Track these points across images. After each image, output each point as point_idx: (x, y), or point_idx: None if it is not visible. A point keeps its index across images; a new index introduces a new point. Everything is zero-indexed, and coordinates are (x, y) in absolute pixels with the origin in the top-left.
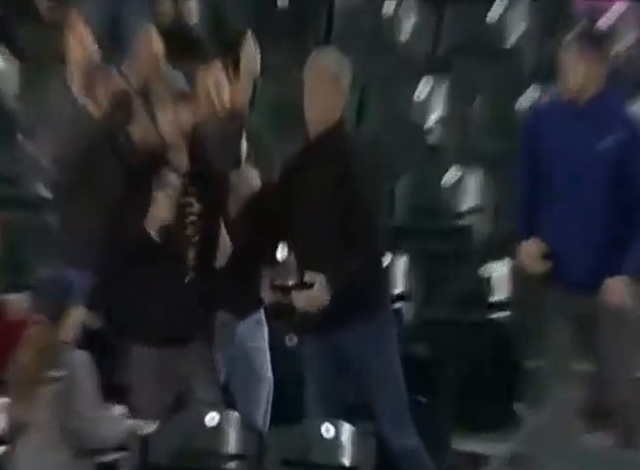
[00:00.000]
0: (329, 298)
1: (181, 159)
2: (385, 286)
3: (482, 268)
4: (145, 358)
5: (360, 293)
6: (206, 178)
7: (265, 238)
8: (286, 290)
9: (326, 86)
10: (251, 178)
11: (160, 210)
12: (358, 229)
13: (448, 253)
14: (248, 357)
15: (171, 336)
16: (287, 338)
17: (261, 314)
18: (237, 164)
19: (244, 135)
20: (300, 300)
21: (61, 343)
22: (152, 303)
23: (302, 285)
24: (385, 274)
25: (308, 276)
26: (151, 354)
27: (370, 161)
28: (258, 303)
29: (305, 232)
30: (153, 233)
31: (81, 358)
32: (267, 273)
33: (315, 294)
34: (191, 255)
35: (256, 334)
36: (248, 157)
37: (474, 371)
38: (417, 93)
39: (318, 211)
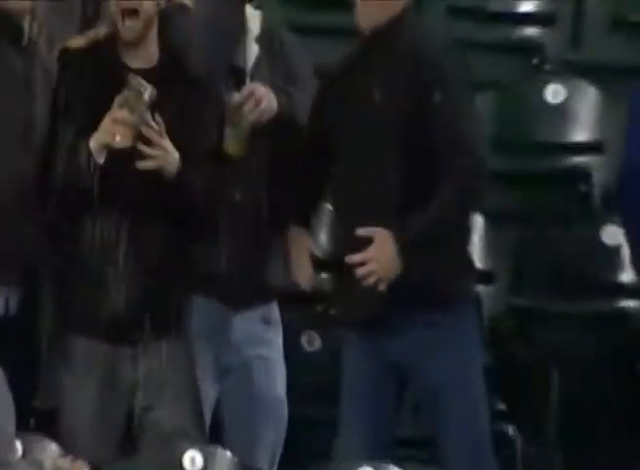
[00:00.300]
0: (399, 265)
1: (143, 60)
2: (470, 256)
3: (603, 233)
4: (85, 358)
5: (435, 267)
6: (185, 91)
7: (288, 185)
8: (329, 266)
9: None
10: (262, 100)
11: (111, 126)
12: (444, 159)
13: (550, 209)
14: (247, 370)
15: (123, 326)
16: (304, 339)
17: (272, 308)
18: (236, 75)
19: (248, 30)
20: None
21: None
22: (92, 274)
23: (355, 243)
24: (469, 238)
25: (363, 230)
26: (94, 352)
27: (453, 64)
28: (266, 288)
29: (358, 171)
30: (95, 155)
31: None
32: (297, 240)
33: (377, 256)
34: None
35: (263, 337)
36: (257, 67)
37: (592, 389)
38: None
39: (380, 138)
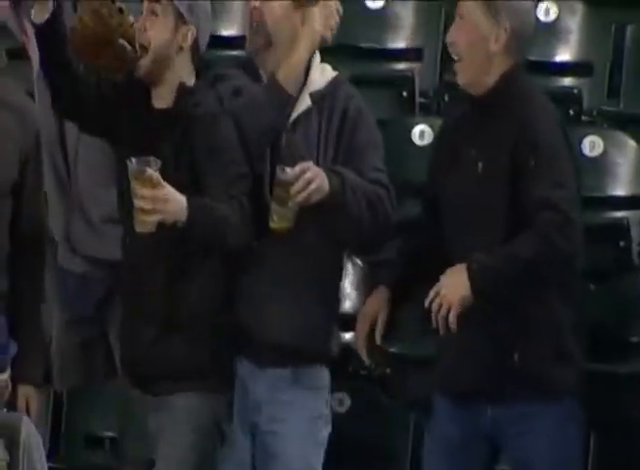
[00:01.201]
0: (469, 295)
1: (165, 101)
2: (573, 348)
3: None
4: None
5: (532, 355)
6: (195, 132)
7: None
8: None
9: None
10: (314, 180)
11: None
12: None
13: (588, 265)
14: (270, 433)
15: (143, 376)
16: (334, 399)
17: (307, 369)
18: (273, 135)
19: (309, 82)
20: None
21: None
22: (124, 324)
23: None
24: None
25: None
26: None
27: (551, 126)
28: (296, 348)
29: (456, 235)
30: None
31: (38, 443)
32: (375, 300)
33: (447, 282)
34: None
35: (291, 399)
36: (304, 117)
37: (632, 451)
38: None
39: (479, 205)
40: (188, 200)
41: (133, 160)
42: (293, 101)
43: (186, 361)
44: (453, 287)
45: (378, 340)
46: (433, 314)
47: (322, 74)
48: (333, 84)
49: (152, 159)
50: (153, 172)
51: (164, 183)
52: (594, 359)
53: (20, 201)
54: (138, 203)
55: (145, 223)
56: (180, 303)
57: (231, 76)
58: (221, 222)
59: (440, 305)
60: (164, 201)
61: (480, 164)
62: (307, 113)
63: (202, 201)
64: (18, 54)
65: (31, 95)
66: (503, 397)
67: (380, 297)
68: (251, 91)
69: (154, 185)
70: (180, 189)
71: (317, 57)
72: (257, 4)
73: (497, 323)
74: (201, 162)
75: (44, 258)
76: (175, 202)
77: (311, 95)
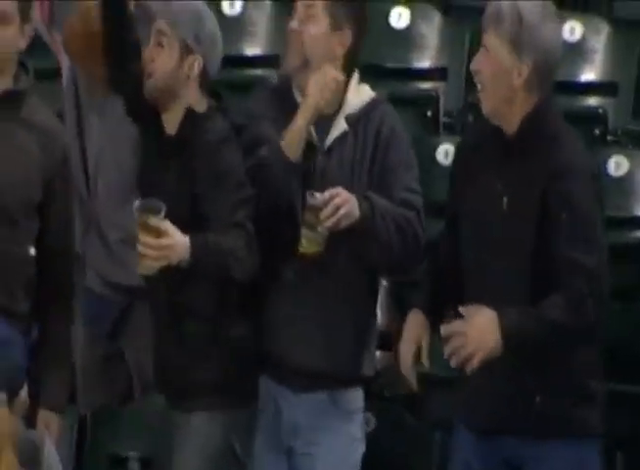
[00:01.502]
0: (496, 347)
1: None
2: (595, 389)
3: None
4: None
5: (554, 396)
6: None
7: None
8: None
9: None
10: (343, 205)
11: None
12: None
13: (614, 285)
14: (307, 456)
15: (174, 393)
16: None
17: (344, 393)
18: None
19: (344, 105)
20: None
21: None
22: (154, 341)
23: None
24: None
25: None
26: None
27: (582, 180)
28: (329, 372)
29: (479, 270)
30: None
31: (57, 464)
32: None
33: (476, 323)
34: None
35: (326, 423)
36: (339, 142)
37: None
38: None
39: (503, 243)
40: (191, 238)
41: (138, 203)
42: (327, 126)
43: (194, 379)
44: (483, 335)
45: (426, 364)
46: (450, 346)
47: (358, 96)
48: (370, 105)
49: (157, 203)
50: (158, 221)
51: (170, 229)
52: (619, 379)
53: (47, 218)
54: (142, 250)
55: (148, 268)
56: (184, 319)
57: (250, 125)
58: (225, 257)
59: (464, 344)
60: (169, 249)
61: (505, 200)
62: (343, 137)
63: (204, 237)
64: (49, 74)
65: (61, 116)
66: (524, 432)
67: (419, 321)
68: (262, 154)
69: (159, 234)
70: (182, 223)
71: (355, 77)
72: (296, 26)
73: (520, 365)
74: (202, 194)
75: (72, 276)
76: (179, 246)
77: (347, 118)
